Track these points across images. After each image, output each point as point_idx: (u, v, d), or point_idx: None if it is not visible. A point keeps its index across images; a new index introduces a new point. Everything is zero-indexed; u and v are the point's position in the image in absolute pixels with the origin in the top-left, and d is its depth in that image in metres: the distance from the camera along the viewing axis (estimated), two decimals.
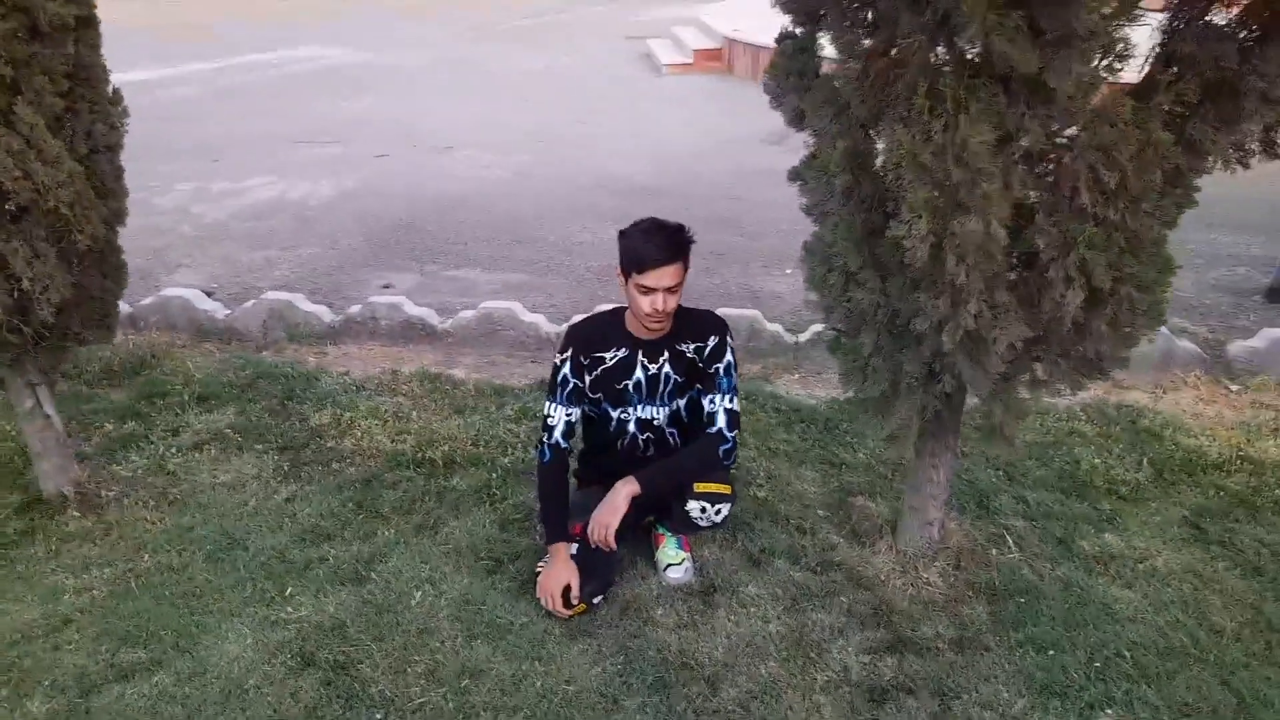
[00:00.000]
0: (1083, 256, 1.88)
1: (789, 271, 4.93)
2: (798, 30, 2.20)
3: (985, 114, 1.79)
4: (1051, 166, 1.90)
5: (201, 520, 2.90)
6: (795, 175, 2.26)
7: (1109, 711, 2.13)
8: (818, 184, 2.17)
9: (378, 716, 2.15)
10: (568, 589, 2.40)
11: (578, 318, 3.00)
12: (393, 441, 3.35)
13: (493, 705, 2.17)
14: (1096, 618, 2.41)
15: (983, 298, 1.94)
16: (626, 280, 2.34)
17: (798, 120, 2.22)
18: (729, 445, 2.40)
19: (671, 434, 2.59)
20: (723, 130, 8.33)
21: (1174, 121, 1.83)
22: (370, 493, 3.04)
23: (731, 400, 2.42)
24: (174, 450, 3.29)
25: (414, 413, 3.57)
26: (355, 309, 4.35)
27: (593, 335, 2.49)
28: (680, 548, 2.64)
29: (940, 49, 1.81)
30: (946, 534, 2.69)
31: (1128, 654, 2.29)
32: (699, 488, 2.40)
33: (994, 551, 2.69)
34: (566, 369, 2.48)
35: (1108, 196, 1.85)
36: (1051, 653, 2.30)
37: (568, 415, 2.51)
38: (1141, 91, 1.85)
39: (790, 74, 2.21)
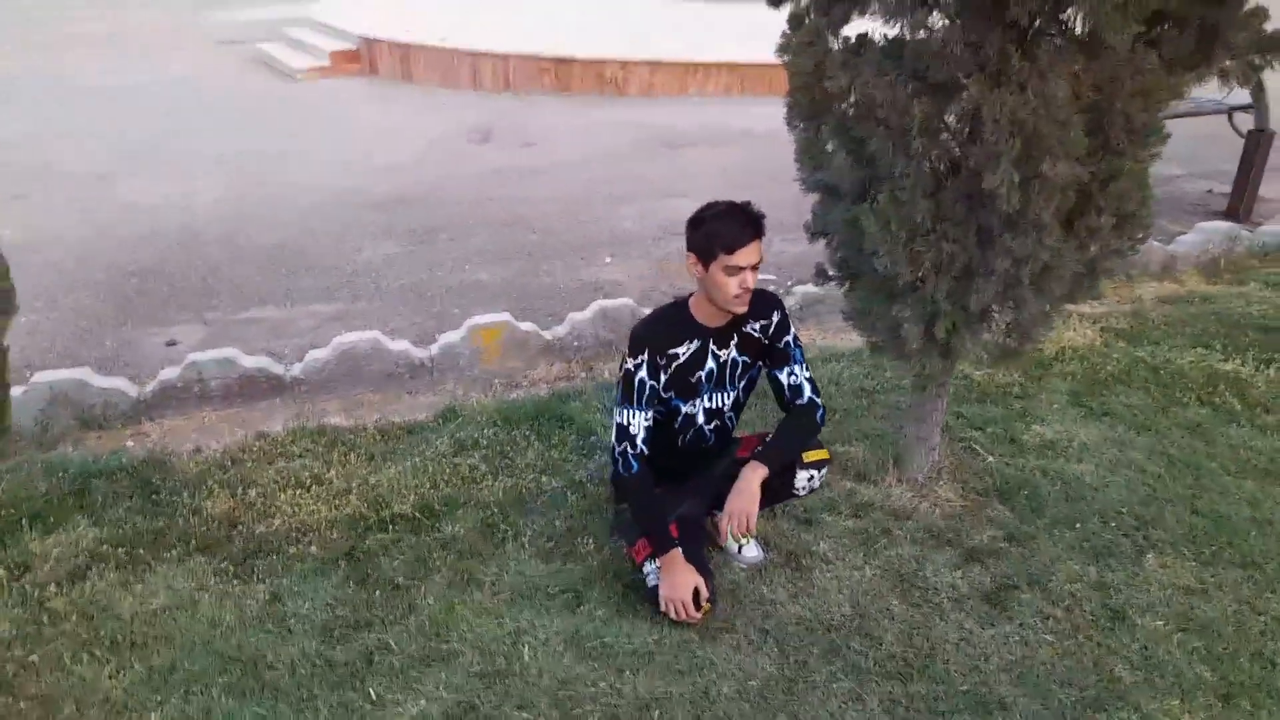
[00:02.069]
0: (1121, 187, 2.28)
1: (609, 260, 5.00)
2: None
3: (1061, 73, 2.09)
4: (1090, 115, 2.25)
5: (183, 656, 2.31)
6: (854, 143, 2.38)
7: (1150, 556, 2.61)
8: (883, 149, 2.31)
9: None
10: (697, 592, 2.34)
11: (638, 317, 2.72)
12: (336, 508, 2.91)
13: None
14: (1082, 492, 2.91)
15: (1054, 234, 2.25)
16: (707, 267, 2.31)
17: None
18: (822, 410, 2.49)
19: (730, 418, 2.61)
20: (420, 133, 8.02)
21: (1171, 69, 2.27)
22: (367, 567, 2.64)
23: (807, 369, 2.51)
24: (50, 589, 2.55)
25: (330, 473, 3.11)
26: (171, 373, 3.62)
27: (664, 333, 2.42)
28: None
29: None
30: (941, 455, 3.03)
31: (1126, 510, 2.81)
32: (806, 457, 2.47)
33: (973, 460, 3.09)
34: (643, 373, 2.39)
35: (1131, 135, 2.26)
36: (1078, 526, 2.75)
37: (647, 421, 2.42)
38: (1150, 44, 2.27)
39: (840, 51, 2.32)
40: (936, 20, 2.18)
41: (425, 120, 8.55)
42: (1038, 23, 2.08)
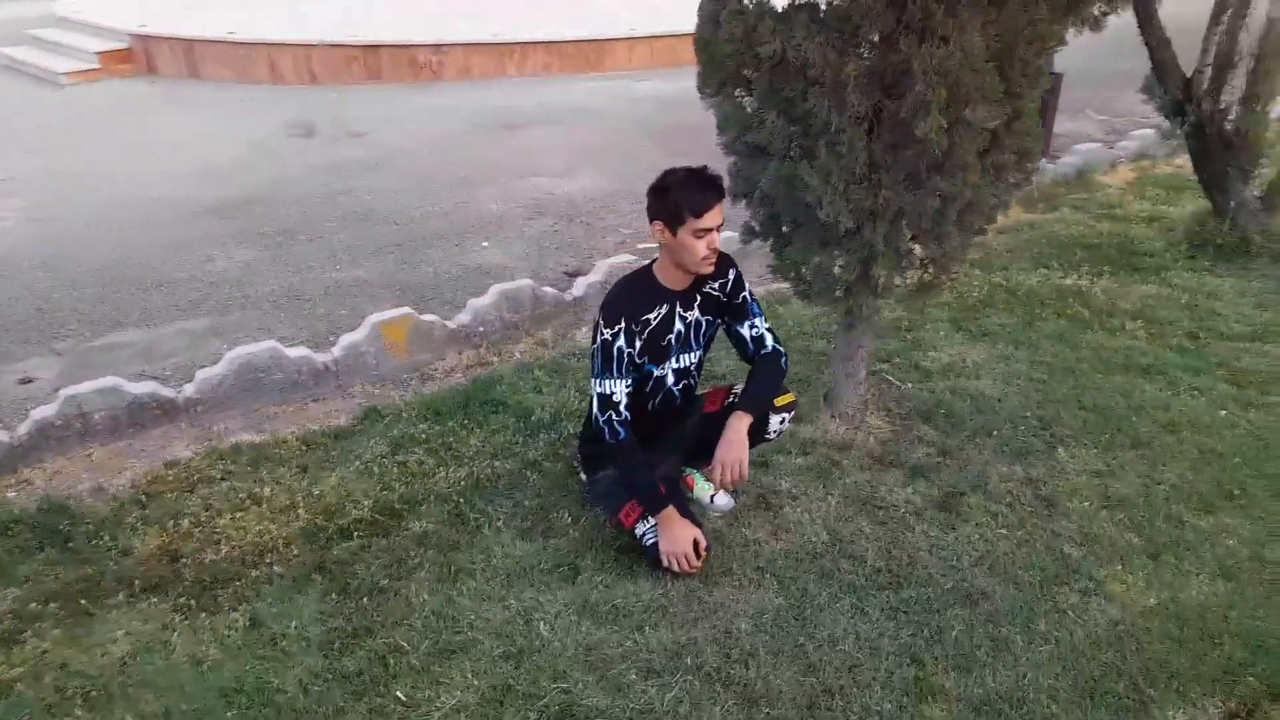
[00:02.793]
0: (1022, 126, 2.56)
1: (485, 245, 4.94)
2: None
3: (977, 25, 2.33)
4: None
5: (175, 698, 2.17)
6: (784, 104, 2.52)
7: (1059, 450, 2.97)
8: (819, 106, 2.47)
9: None
10: (695, 543, 2.44)
11: (608, 288, 2.52)
12: (286, 525, 2.78)
13: (818, 680, 2.20)
14: (990, 405, 3.24)
15: (975, 173, 2.50)
16: (675, 232, 2.38)
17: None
18: (785, 356, 2.63)
19: (694, 377, 2.71)
20: (230, 133, 7.49)
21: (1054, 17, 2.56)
22: (344, 575, 2.55)
23: (765, 319, 2.64)
24: None
25: (265, 491, 2.96)
26: (47, 411, 3.27)
27: (635, 300, 2.48)
28: (707, 480, 2.81)
29: None
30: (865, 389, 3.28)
31: (1029, 414, 3.16)
32: (776, 402, 2.60)
33: (890, 389, 3.36)
34: (620, 341, 2.44)
35: (1027, 78, 2.54)
36: (994, 433, 3.07)
37: (628, 388, 2.48)
38: None
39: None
40: None
41: (232, 119, 8.00)
42: None
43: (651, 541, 2.47)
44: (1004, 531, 2.62)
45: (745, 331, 2.61)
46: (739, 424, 2.46)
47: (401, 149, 6.81)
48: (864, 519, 2.69)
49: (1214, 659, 2.19)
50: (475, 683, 2.17)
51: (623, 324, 2.44)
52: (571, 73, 9.27)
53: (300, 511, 2.83)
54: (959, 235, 2.69)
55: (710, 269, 2.46)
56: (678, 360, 2.61)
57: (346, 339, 3.75)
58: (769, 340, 2.61)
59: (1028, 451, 2.97)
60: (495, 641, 2.29)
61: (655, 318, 2.50)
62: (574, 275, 4.52)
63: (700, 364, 2.71)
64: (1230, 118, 4.24)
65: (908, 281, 2.86)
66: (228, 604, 2.46)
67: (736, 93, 2.78)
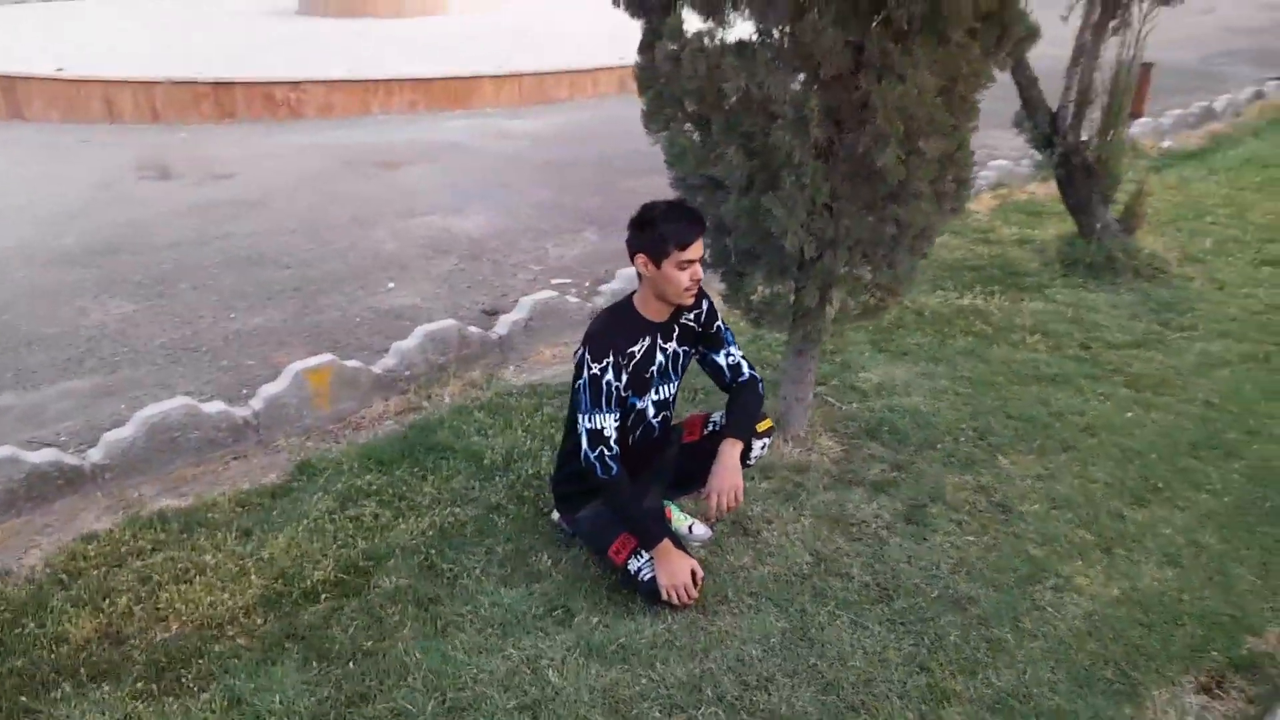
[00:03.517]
0: (962, 156, 2.74)
1: (392, 285, 4.77)
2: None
3: (928, 64, 2.49)
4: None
5: None
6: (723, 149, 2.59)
7: (1000, 458, 3.16)
8: (780, 140, 2.55)
9: None
10: (693, 573, 2.44)
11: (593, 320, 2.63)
12: (241, 594, 2.57)
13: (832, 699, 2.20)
14: (928, 419, 3.41)
15: (927, 200, 2.66)
16: (659, 265, 2.39)
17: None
18: (761, 383, 2.67)
19: (672, 408, 2.71)
20: (70, 175, 6.91)
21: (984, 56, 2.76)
22: (321, 641, 2.38)
23: (738, 348, 2.68)
24: None
25: (207, 559, 2.73)
26: None
27: (620, 334, 2.46)
28: (682, 510, 2.82)
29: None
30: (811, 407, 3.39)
31: (965, 425, 3.35)
32: (758, 428, 2.64)
33: (833, 410, 3.48)
34: (610, 375, 2.42)
35: (965, 112, 2.73)
36: (939, 446, 3.23)
37: (615, 422, 2.45)
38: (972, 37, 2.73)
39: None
40: (810, 23, 2.45)
41: (69, 162, 7.39)
42: (915, 24, 2.43)
43: (649, 576, 2.44)
44: (971, 538, 2.75)
45: (721, 360, 2.64)
46: (732, 450, 2.48)
47: (277, 189, 6.49)
48: (840, 537, 2.76)
49: (1180, 639, 2.38)
50: None
51: (610, 358, 2.42)
52: (438, 110, 9.14)
53: (253, 578, 2.63)
54: (909, 259, 2.84)
55: (691, 300, 2.48)
56: (657, 392, 2.61)
57: (267, 390, 3.52)
58: (745, 368, 2.65)
59: (973, 461, 3.14)
60: (505, 694, 2.20)
61: (639, 350, 2.50)
62: (492, 314, 4.44)
63: (676, 395, 2.72)
64: (1090, 148, 4.69)
65: (857, 306, 2.99)
66: (194, 684, 2.25)
67: (687, 127, 2.85)
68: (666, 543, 2.43)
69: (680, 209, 2.42)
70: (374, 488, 3.03)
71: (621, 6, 2.83)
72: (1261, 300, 4.53)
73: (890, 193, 2.62)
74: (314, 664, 2.31)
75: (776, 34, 2.56)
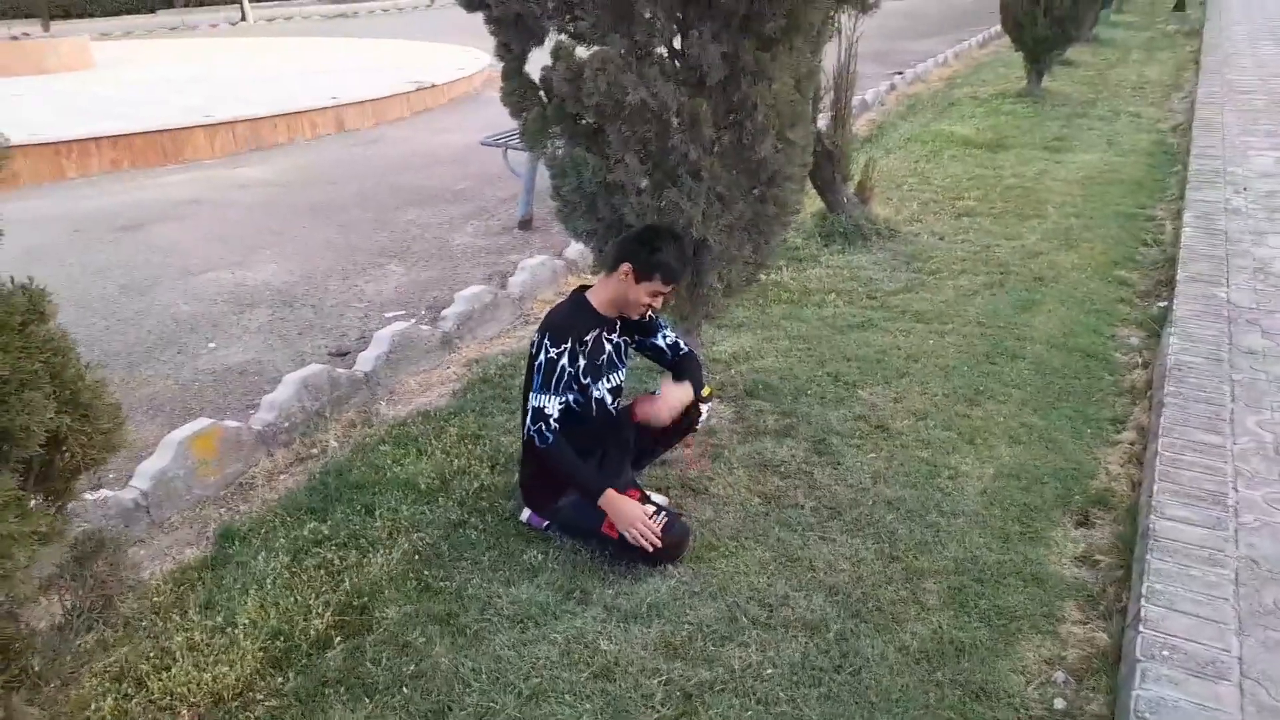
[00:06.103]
0: (812, 139, 3.28)
1: (212, 345, 4.47)
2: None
3: (788, 68, 2.99)
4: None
5: None
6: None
7: (861, 391, 3.76)
8: (679, 142, 2.92)
9: None
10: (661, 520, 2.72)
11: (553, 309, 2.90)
12: (241, 663, 2.47)
13: (814, 660, 2.56)
14: (788, 373, 3.93)
15: (800, 180, 3.17)
16: (638, 281, 2.67)
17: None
18: (700, 356, 3.00)
19: (622, 395, 2.98)
20: None
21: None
22: (360, 680, 2.39)
23: (671, 328, 3.00)
24: None
25: (178, 638, 2.58)
26: None
27: (577, 321, 2.71)
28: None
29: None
30: None
31: (819, 372, 3.93)
32: (704, 393, 2.97)
33: (708, 377, 3.90)
34: (565, 359, 2.65)
35: (811, 104, 3.28)
36: (808, 393, 3.77)
37: (560, 405, 2.69)
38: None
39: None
40: (694, 39, 2.85)
41: None
42: (778, 35, 2.90)
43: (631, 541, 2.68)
44: (872, 455, 3.30)
45: (660, 341, 2.96)
46: (683, 384, 2.82)
47: (8, 270, 5.70)
48: (773, 477, 3.19)
49: (1049, 493, 3.07)
50: (586, 706, 2.24)
51: (569, 344, 2.67)
52: (146, 166, 8.40)
53: (245, 644, 2.52)
54: (780, 234, 3.33)
55: (637, 318, 2.80)
56: (609, 380, 2.88)
57: (149, 467, 3.27)
58: (682, 344, 2.99)
59: (841, 398, 3.72)
60: (571, 671, 2.36)
61: (591, 338, 2.76)
62: (341, 354, 4.37)
63: (624, 384, 2.99)
64: (827, 136, 5.54)
65: (740, 281, 3.43)
66: None
67: (570, 140, 3.13)
68: (610, 492, 2.66)
69: (682, 249, 2.74)
70: (321, 535, 2.98)
71: (494, 32, 3.05)
72: (974, 242, 5.63)
73: (769, 177, 3.09)
74: (366, 700, 2.31)
75: (665, 50, 2.92)
